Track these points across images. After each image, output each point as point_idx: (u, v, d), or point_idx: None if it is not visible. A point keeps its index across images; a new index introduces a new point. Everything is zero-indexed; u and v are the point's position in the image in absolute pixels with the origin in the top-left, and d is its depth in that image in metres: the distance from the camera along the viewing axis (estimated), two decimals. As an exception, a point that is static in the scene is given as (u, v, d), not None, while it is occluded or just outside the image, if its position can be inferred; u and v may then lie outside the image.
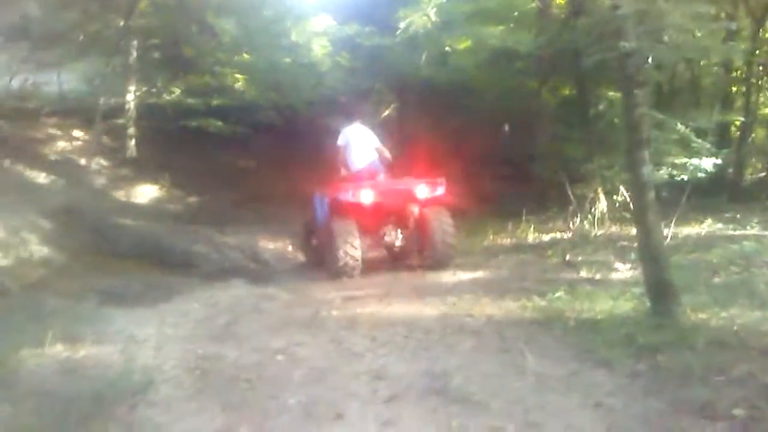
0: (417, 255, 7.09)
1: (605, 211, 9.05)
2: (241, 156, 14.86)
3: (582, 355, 3.72)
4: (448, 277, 6.45)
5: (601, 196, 9.35)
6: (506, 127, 15.30)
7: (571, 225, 8.57)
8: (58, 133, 13.12)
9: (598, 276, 6.07)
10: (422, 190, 6.56)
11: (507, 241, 8.63)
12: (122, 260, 9.20)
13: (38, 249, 8.64)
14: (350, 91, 13.46)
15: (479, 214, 11.83)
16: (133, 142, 13.08)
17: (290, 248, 10.11)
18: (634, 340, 3.74)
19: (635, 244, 4.96)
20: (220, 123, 12.64)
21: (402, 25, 12.58)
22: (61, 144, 12.84)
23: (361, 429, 2.91)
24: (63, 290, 6.99)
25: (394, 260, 7.20)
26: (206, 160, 13.84)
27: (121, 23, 10.83)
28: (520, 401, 3.07)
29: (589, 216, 8.73)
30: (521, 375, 3.44)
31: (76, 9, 12.73)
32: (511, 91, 14.03)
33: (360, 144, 7.22)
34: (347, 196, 6.36)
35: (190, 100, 12.97)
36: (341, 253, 6.21)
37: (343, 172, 7.13)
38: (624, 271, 6.23)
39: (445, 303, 5.26)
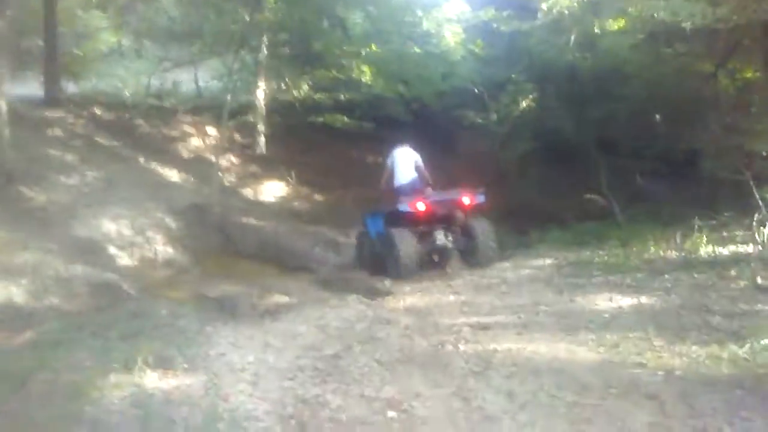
0: (463, 256, 7.75)
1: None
2: (369, 152, 14.30)
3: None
4: (602, 301, 5.26)
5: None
6: (657, 118, 13.40)
7: (757, 236, 6.93)
8: (192, 130, 13.30)
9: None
10: (465, 199, 7.51)
11: (673, 254, 7.13)
12: (243, 261, 8.95)
13: (163, 249, 8.57)
14: (484, 81, 12.40)
15: (632, 218, 10.31)
16: (262, 139, 12.96)
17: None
18: None
19: None
20: (346, 118, 12.09)
21: (544, 6, 11.35)
22: (195, 141, 13.00)
23: None
24: (177, 297, 6.72)
25: (442, 262, 7.75)
26: (333, 157, 13.44)
27: (247, 18, 10.51)
28: None
29: (782, 225, 7.05)
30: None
31: (209, 6, 12.85)
32: (669, 75, 12.18)
33: (403, 164, 8.24)
34: (403, 206, 7.27)
35: (318, 96, 12.59)
36: (401, 256, 6.99)
37: (384, 187, 8.30)
38: None
39: (603, 343, 4.13)
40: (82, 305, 6.20)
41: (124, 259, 8.01)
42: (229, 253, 9.10)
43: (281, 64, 13.19)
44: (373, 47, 11.77)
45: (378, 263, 7.63)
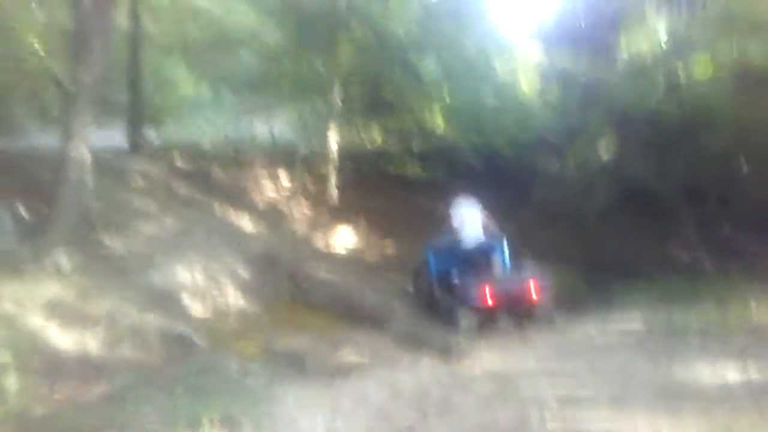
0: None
1: None
2: (441, 200, 14.07)
3: None
4: (705, 373, 4.73)
5: None
6: (745, 165, 12.54)
7: None
8: (267, 179, 13.49)
9: None
10: (534, 293, 7.50)
11: (779, 317, 6.48)
12: (313, 313, 8.79)
13: (235, 298, 8.52)
14: (560, 130, 12.04)
15: (723, 273, 9.55)
16: (334, 188, 13.00)
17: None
18: None
19: None
20: (418, 168, 11.97)
21: (624, 54, 11.00)
22: (268, 190, 13.15)
23: None
24: (246, 350, 6.60)
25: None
26: (404, 205, 13.27)
27: (321, 68, 10.67)
28: None
29: None
30: None
31: (285, 55, 13.20)
32: (760, 121, 11.44)
33: (470, 224, 8.18)
34: (472, 301, 7.36)
35: (390, 144, 12.57)
36: (461, 332, 7.02)
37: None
38: None
39: (713, 422, 3.65)
40: (153, 356, 6.16)
41: (196, 309, 7.98)
42: (299, 304, 8.97)
43: (353, 112, 13.30)
44: (446, 95, 11.69)
45: (433, 306, 8.03)
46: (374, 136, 12.79)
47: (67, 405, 4.81)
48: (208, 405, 4.12)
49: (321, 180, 13.23)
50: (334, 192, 12.93)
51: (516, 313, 7.48)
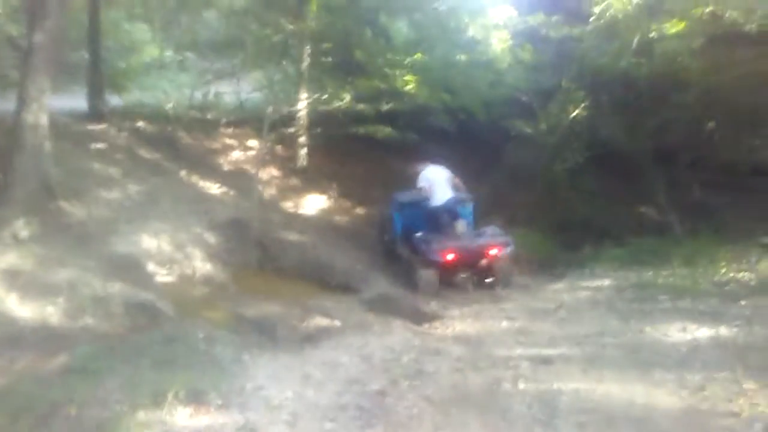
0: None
1: None
2: (412, 164, 13.93)
3: None
4: (675, 332, 4.74)
5: None
6: (714, 125, 12.61)
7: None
8: (234, 143, 13.17)
9: None
10: (493, 251, 7.72)
11: (746, 276, 6.54)
12: (282, 278, 8.67)
13: (202, 265, 8.34)
14: (533, 89, 11.89)
15: (694, 234, 9.65)
16: (304, 151, 12.74)
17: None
18: None
19: None
20: (389, 129, 11.75)
21: (596, 10, 10.82)
22: (236, 154, 12.85)
23: None
24: (214, 318, 6.46)
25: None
26: (376, 168, 13.12)
27: (290, 27, 10.29)
28: None
29: None
30: None
31: (251, 17, 12.75)
32: (732, 81, 11.46)
33: (440, 184, 8.34)
34: (434, 255, 7.60)
35: (360, 106, 12.28)
36: (421, 286, 7.53)
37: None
38: None
39: (684, 385, 3.64)
40: (117, 326, 5.98)
41: (162, 276, 7.80)
42: (269, 270, 8.84)
43: (323, 74, 12.95)
44: (418, 55, 11.41)
45: (395, 258, 8.46)
46: (344, 98, 12.46)
47: (26, 377, 4.61)
48: (173, 377, 3.98)
49: (290, 143, 12.95)
50: (303, 155, 12.68)
51: (476, 271, 7.79)
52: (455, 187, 8.50)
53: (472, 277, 7.80)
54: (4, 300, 5.93)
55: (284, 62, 12.14)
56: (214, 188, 11.17)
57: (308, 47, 12.19)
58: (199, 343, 4.95)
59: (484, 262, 7.73)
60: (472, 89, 11.50)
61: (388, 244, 8.92)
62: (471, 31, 11.01)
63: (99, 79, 11.91)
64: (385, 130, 11.97)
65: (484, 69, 11.31)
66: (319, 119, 12.92)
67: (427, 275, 7.60)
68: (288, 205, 11.66)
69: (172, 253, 8.27)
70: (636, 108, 12.11)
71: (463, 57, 11.05)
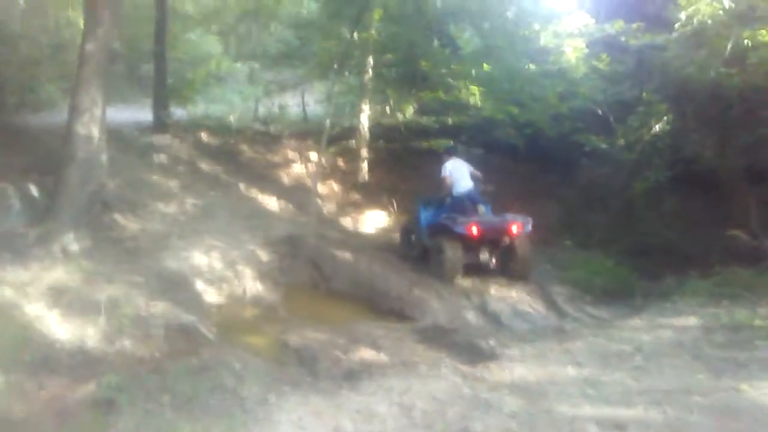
0: (502, 271, 8.55)
1: None
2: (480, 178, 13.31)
3: None
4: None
5: None
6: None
7: None
8: (296, 156, 12.98)
9: None
10: (514, 227, 8.19)
11: None
12: (334, 300, 8.27)
13: (252, 284, 8.05)
14: (610, 101, 11.03)
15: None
16: (365, 165, 12.38)
17: (528, 299, 8.14)
18: None
19: None
20: (453, 143, 11.21)
21: (682, 16, 9.91)
22: (297, 168, 12.64)
23: None
24: (256, 344, 6.11)
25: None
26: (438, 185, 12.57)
27: (354, 36, 9.95)
28: None
29: None
30: None
31: (315, 28, 12.56)
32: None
33: (461, 173, 8.90)
34: (459, 228, 8.06)
35: (423, 119, 11.84)
36: (447, 265, 8.10)
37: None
38: None
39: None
40: (154, 350, 5.71)
41: (211, 295, 7.53)
42: (321, 291, 8.46)
43: (386, 86, 12.59)
44: (485, 66, 10.83)
45: (423, 254, 8.88)
46: (407, 111, 12.05)
47: (50, 408, 4.38)
48: (188, 420, 3.63)
49: (351, 157, 12.64)
50: (364, 169, 12.32)
51: (499, 250, 8.46)
52: (475, 179, 9.05)
53: (495, 254, 8.45)
54: (45, 318, 5.78)
55: (346, 74, 11.81)
56: (272, 203, 10.99)
57: (371, 58, 11.85)
58: (230, 377, 4.57)
59: (506, 239, 8.32)
60: (542, 101, 10.78)
61: (414, 244, 9.35)
62: (542, 40, 10.34)
63: (164, 91, 12.00)
64: (448, 144, 11.43)
65: (556, 79, 10.57)
66: (381, 132, 12.58)
67: (453, 249, 8.10)
68: (346, 222, 11.33)
69: (223, 271, 8.01)
70: (726, 122, 11.00)
71: (532, 67, 10.36)
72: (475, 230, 8.00)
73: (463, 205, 8.69)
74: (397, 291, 8.05)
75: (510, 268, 8.46)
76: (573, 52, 10.13)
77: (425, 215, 9.05)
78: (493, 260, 8.46)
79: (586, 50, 10.24)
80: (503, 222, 8.31)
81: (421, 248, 9.02)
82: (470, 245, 8.22)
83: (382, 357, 5.43)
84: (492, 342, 5.62)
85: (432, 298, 7.91)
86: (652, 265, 9.12)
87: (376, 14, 10.81)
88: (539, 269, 9.42)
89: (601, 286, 8.38)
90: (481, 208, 8.87)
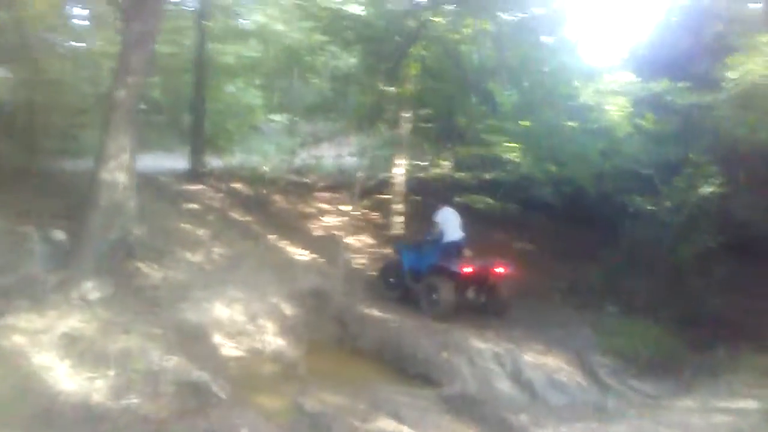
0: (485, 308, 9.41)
1: None
2: (517, 237, 12.87)
3: None
4: None
5: None
6: None
7: None
8: (329, 208, 12.84)
9: None
10: (500, 269, 9.08)
11: None
12: (358, 360, 7.88)
13: (273, 340, 7.71)
14: (654, 161, 10.56)
15: None
16: (399, 219, 12.11)
17: (566, 367, 7.58)
18: None
19: None
20: (489, 200, 10.87)
21: (731, 75, 9.54)
22: (329, 220, 12.45)
23: None
24: (270, 406, 5.74)
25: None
26: (474, 241, 12.17)
27: (385, 89, 9.84)
28: None
29: None
30: None
31: (352, 82, 12.57)
32: None
33: (453, 223, 9.53)
34: (454, 267, 8.91)
35: (460, 174, 11.56)
36: (442, 302, 8.83)
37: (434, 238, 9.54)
38: None
39: None
40: (162, 408, 5.39)
41: (229, 349, 7.22)
42: (344, 349, 8.10)
43: (422, 139, 12.43)
44: (523, 123, 10.55)
45: (404, 294, 9.57)
46: (442, 165, 11.81)
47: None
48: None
49: (385, 209, 12.40)
50: (398, 223, 12.04)
51: (484, 290, 9.27)
52: (463, 227, 9.67)
53: (481, 293, 9.31)
54: (54, 369, 5.56)
55: (381, 127, 11.70)
56: (301, 254, 10.75)
57: (407, 112, 11.73)
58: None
59: (491, 280, 9.13)
60: (583, 159, 10.39)
61: (395, 285, 9.88)
62: (583, 97, 10.06)
63: (201, 140, 12.08)
64: (485, 201, 11.11)
65: (598, 137, 10.21)
66: (417, 186, 12.33)
67: (446, 289, 8.83)
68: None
69: (244, 324, 7.72)
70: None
71: (572, 124, 10.04)
72: (468, 270, 8.88)
73: (450, 251, 9.35)
74: (425, 353, 7.61)
75: (493, 306, 9.35)
76: (616, 110, 9.80)
77: (408, 258, 9.71)
78: (481, 298, 9.38)
79: (630, 108, 9.89)
80: (490, 265, 9.13)
81: (403, 289, 9.69)
82: (461, 285, 9.05)
83: (403, 429, 4.98)
84: (524, 418, 5.11)
85: (462, 363, 7.43)
86: (701, 336, 8.47)
87: (413, 69, 10.72)
88: (578, 335, 8.88)
89: (646, 357, 7.77)
90: (468, 252, 9.85)
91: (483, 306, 9.40)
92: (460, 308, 8.98)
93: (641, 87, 10.20)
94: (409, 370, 7.40)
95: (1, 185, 8.19)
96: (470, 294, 9.32)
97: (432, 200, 11.81)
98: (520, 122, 10.52)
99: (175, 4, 13.44)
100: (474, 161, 11.40)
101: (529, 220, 11.55)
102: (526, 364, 7.53)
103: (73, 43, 13.92)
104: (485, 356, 7.67)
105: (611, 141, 10.21)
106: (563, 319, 9.21)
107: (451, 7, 10.73)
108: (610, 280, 10.43)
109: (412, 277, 9.54)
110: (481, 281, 9.20)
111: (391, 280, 10.00)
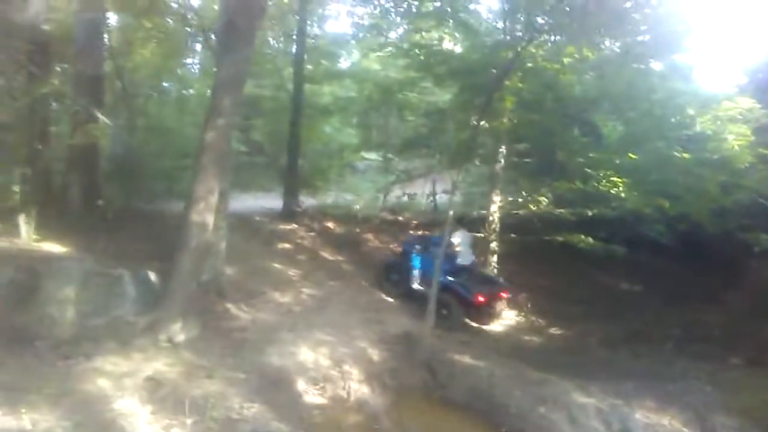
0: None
1: None
2: (624, 279, 11.91)
3: None
4: None
5: None
6: None
7: None
8: (422, 246, 12.45)
9: None
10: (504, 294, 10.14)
11: None
12: (446, 411, 7.39)
13: (358, 387, 7.42)
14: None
15: None
16: (494, 258, 11.56)
17: (683, 429, 6.69)
18: None
19: None
20: (591, 239, 10.10)
21: None
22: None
23: None
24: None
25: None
26: (576, 283, 11.38)
27: (478, 124, 9.45)
28: None
29: None
30: None
31: (447, 118, 12.33)
32: None
33: (468, 247, 10.13)
34: (472, 297, 9.53)
35: (559, 211, 10.89)
36: (455, 319, 9.51)
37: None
38: None
39: None
40: (234, 463, 5.22)
41: (312, 396, 7.00)
42: (433, 398, 7.62)
43: (519, 175, 11.87)
44: (631, 155, 9.77)
45: (407, 295, 10.01)
46: (542, 201, 11.18)
47: None
48: None
49: (481, 248, 11.89)
50: (493, 262, 11.48)
51: (491, 308, 9.98)
52: (474, 250, 10.43)
53: (484, 315, 9.98)
54: (136, 414, 5.54)
55: (477, 162, 11.30)
56: (392, 295, 10.46)
57: (503, 147, 11.27)
58: None
59: (495, 302, 9.99)
60: (699, 194, 9.40)
61: (397, 284, 10.26)
62: (698, 126, 9.17)
63: (295, 179, 12.24)
64: (587, 240, 10.34)
65: (716, 169, 9.22)
66: (513, 224, 11.75)
67: (459, 311, 9.54)
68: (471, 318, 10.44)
69: (328, 370, 7.48)
70: None
71: (686, 155, 9.15)
72: (482, 299, 9.53)
73: (461, 274, 9.81)
74: (519, 406, 6.99)
75: (481, 318, 10.01)
76: (735, 139, 8.83)
77: (416, 262, 9.99)
78: (484, 317, 10.03)
79: (752, 137, 8.89)
80: (498, 290, 9.96)
81: (407, 290, 10.05)
82: (472, 309, 9.71)
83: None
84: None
85: (562, 420, 6.75)
86: None
87: (509, 102, 10.27)
88: (697, 390, 7.87)
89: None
90: (478, 275, 10.33)
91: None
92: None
93: (763, 113, 9.17)
94: (502, 425, 6.81)
95: (102, 228, 8.59)
96: (475, 313, 9.90)
97: (532, 238, 11.26)
98: (625, 155, 9.77)
99: (275, 48, 13.93)
100: (574, 197, 10.69)
101: (636, 259, 10.60)
102: (636, 424, 6.73)
103: (183, 91, 14.78)
104: (588, 413, 6.92)
105: (731, 173, 9.19)
106: (678, 372, 8.22)
107: (549, 36, 10.24)
108: (734, 328, 9.30)
109: (422, 279, 9.93)
110: (488, 305, 9.90)
111: (394, 277, 10.33)
